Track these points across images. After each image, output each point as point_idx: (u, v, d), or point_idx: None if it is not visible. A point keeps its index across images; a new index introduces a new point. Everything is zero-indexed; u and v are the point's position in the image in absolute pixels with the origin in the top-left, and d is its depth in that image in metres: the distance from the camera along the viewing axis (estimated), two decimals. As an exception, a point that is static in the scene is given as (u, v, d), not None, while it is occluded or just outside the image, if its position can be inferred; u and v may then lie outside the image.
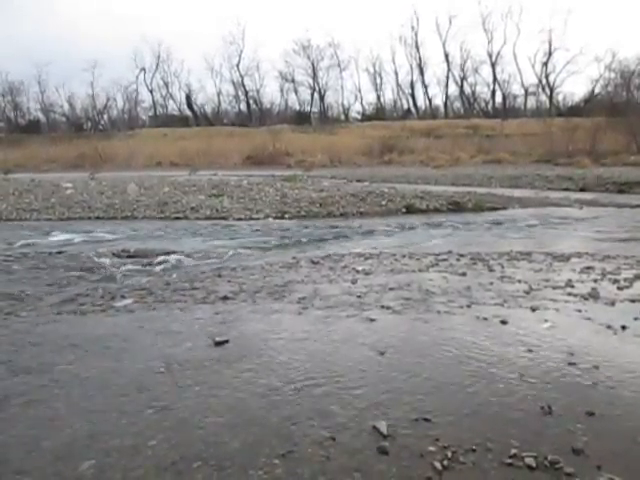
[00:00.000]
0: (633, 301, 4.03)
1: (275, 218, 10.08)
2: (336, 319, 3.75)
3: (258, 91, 57.94)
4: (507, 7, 67.93)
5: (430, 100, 59.26)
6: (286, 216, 10.25)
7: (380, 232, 8.32)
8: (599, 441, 2.16)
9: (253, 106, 58.69)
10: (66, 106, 56.89)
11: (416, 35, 56.11)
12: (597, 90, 46.84)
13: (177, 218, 10.26)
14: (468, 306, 3.99)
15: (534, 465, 2.00)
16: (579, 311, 3.83)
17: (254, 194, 13.19)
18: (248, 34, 77.35)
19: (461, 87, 56.97)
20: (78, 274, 5.37)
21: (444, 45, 55.88)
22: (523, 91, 53.24)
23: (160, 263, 5.88)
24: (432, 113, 56.43)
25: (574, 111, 42.38)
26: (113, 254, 6.40)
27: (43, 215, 10.76)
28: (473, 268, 5.31)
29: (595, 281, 4.68)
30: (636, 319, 3.60)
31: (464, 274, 5.02)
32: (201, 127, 51.19)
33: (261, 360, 3.05)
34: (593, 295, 4.19)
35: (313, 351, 3.17)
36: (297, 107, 58.89)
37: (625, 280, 4.65)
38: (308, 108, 58.37)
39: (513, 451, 2.08)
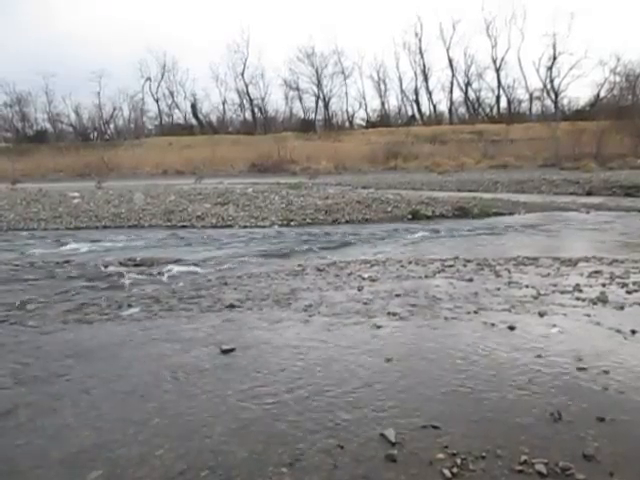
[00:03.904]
0: (642, 305, 4.00)
1: (281, 226, 10.09)
2: (342, 326, 3.74)
3: (263, 99, 58.06)
4: (511, 12, 67.67)
5: (434, 106, 59.20)
6: (292, 224, 10.26)
7: (386, 239, 8.31)
8: (610, 447, 2.13)
9: (258, 114, 58.84)
10: (73, 116, 57.28)
11: (420, 41, 56.01)
12: (602, 94, 46.67)
13: (183, 226, 10.30)
14: (475, 312, 3.96)
15: (545, 472, 1.98)
16: (588, 316, 3.80)
17: (259, 202, 13.22)
18: (252, 42, 77.81)
19: (465, 93, 56.86)
20: (85, 283, 5.39)
21: (448, 51, 55.65)
22: (528, 96, 53.11)
23: (166, 272, 5.89)
24: (437, 119, 56.36)
25: (579, 115, 42.20)
26: (120, 263, 6.42)
27: (50, 224, 10.82)
28: (480, 274, 5.29)
29: (604, 285, 4.64)
30: (646, 323, 3.57)
31: (471, 280, 5.00)
32: (206, 135, 51.39)
33: (267, 368, 3.04)
34: (602, 299, 4.16)
35: (319, 359, 3.16)
36: (301, 115, 58.96)
37: (634, 284, 4.61)
38: (312, 115, 58.47)
39: (523, 458, 2.06)
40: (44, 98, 55.05)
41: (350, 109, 60.60)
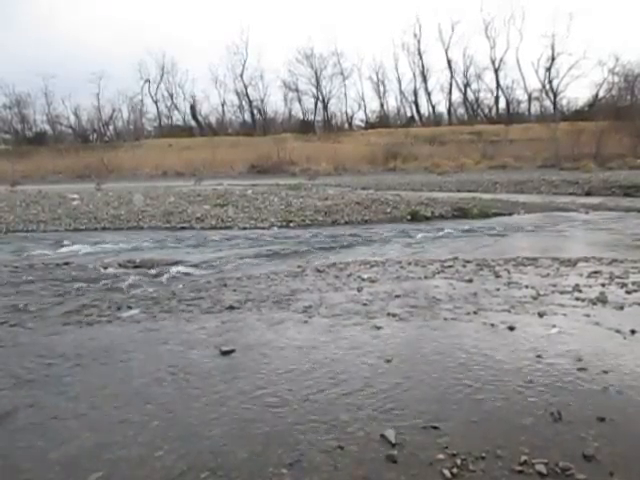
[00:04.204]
0: (642, 305, 4.00)
1: (280, 227, 10.09)
2: (342, 327, 3.74)
3: (262, 100, 58.19)
4: (509, 13, 67.97)
5: (433, 107, 59.36)
6: (291, 225, 10.26)
7: (385, 239, 8.31)
8: (610, 447, 2.13)
9: (257, 115, 58.97)
10: (72, 118, 57.39)
11: (419, 42, 56.23)
12: (601, 94, 46.78)
13: (182, 228, 10.29)
14: (475, 312, 3.96)
15: (545, 472, 1.98)
16: (587, 316, 3.80)
17: (259, 203, 13.23)
18: (251, 44, 77.94)
19: (464, 93, 57.01)
20: (84, 285, 5.38)
21: (447, 52, 55.85)
22: (527, 96, 53.25)
23: (166, 273, 5.89)
24: (435, 120, 56.45)
25: (578, 115, 42.25)
26: (119, 264, 6.42)
27: (50, 226, 10.81)
28: (479, 274, 5.29)
29: (603, 285, 4.64)
30: (645, 323, 3.57)
31: (470, 280, 5.00)
32: (206, 137, 51.41)
33: (267, 369, 3.04)
34: (601, 300, 4.16)
35: (319, 360, 3.16)
36: (301, 116, 59.08)
37: (633, 284, 4.61)
38: (312, 117, 58.60)
39: (523, 458, 2.06)
40: (43, 100, 55.19)
41: (349, 110, 60.76)
